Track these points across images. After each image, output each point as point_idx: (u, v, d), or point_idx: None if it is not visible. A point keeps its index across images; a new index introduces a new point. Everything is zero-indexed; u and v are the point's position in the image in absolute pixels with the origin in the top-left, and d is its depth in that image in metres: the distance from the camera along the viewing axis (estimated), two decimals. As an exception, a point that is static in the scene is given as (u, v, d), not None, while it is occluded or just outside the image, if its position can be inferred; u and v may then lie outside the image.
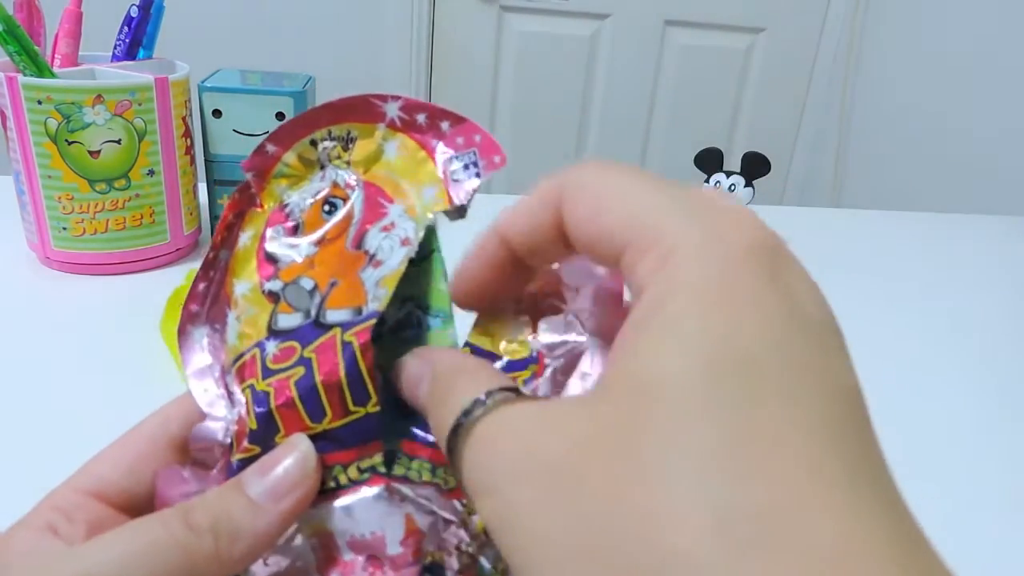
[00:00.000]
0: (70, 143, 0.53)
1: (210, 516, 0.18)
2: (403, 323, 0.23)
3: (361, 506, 0.20)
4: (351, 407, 0.20)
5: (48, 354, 0.48)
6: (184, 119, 0.58)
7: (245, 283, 0.22)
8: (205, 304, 0.23)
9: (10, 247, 0.61)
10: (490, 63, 2.02)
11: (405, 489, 0.21)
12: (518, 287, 0.21)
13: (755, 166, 0.72)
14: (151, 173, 0.57)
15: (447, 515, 0.20)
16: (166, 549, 0.17)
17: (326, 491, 0.20)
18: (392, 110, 0.23)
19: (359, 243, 0.22)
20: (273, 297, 0.22)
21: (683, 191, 0.16)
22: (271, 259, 0.22)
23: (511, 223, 0.19)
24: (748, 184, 0.72)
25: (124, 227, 0.57)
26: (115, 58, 0.61)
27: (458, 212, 0.22)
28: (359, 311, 0.21)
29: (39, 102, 0.52)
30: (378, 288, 0.21)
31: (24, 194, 0.56)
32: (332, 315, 0.21)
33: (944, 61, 1.76)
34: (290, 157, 0.23)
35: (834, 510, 0.12)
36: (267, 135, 0.23)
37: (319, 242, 0.22)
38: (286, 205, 0.23)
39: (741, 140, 2.10)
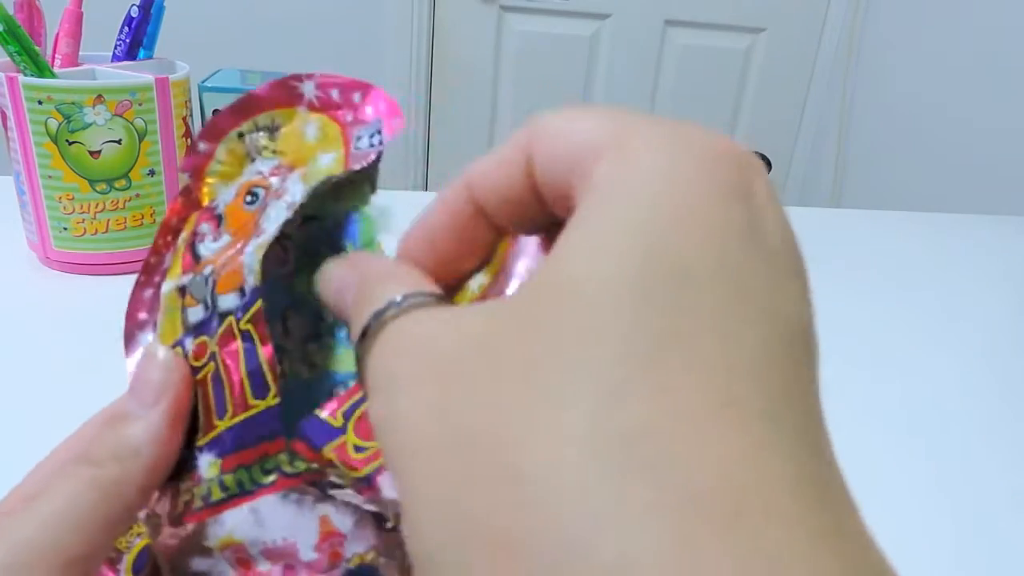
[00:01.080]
0: (70, 143, 0.53)
1: (105, 446, 0.18)
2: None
3: (269, 511, 0.19)
4: (250, 401, 0.19)
5: (48, 354, 0.48)
6: (185, 119, 0.58)
7: (170, 283, 0.22)
8: (153, 311, 0.23)
9: (10, 247, 0.61)
10: (490, 63, 2.02)
11: (316, 488, 0.19)
12: (479, 252, 0.18)
13: (755, 166, 0.72)
14: (152, 173, 0.57)
15: (374, 510, 0.19)
16: (81, 494, 0.17)
17: (231, 498, 0.19)
18: (309, 90, 0.23)
19: (259, 222, 0.21)
20: (181, 292, 0.21)
21: (657, 116, 0.15)
22: (195, 257, 0.22)
23: (480, 171, 0.17)
24: (748, 184, 0.72)
25: (125, 227, 0.57)
26: (115, 58, 0.61)
27: (367, 182, 0.22)
28: (242, 291, 0.20)
29: (39, 102, 0.52)
30: (251, 258, 0.20)
31: (24, 194, 0.56)
32: (222, 301, 0.20)
33: (944, 61, 1.76)
34: (221, 153, 0.23)
35: (732, 442, 0.11)
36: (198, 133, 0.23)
37: (234, 231, 0.22)
38: (214, 202, 0.23)
39: (741, 140, 2.10)
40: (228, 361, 0.20)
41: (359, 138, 0.22)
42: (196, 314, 0.21)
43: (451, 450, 0.12)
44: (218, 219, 0.22)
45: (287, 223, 0.20)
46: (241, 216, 0.22)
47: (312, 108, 0.23)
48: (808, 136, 2.13)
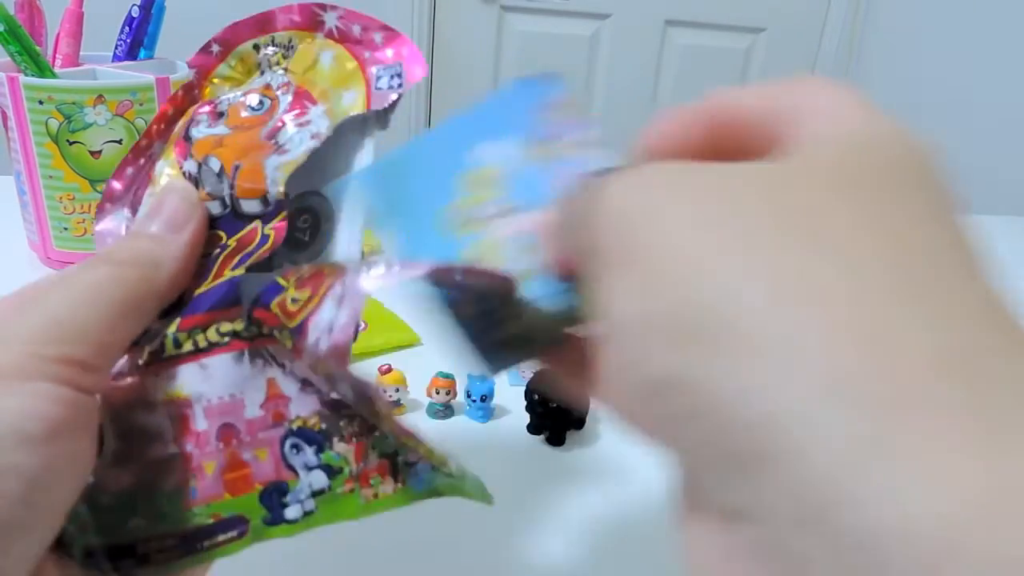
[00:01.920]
0: (71, 143, 0.53)
1: (128, 252, 0.20)
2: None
3: (220, 368, 0.20)
4: (226, 273, 0.21)
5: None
6: (185, 119, 0.58)
7: (164, 162, 0.23)
8: (131, 188, 0.24)
9: (11, 247, 0.61)
10: (490, 63, 2.02)
11: (269, 350, 0.21)
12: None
13: (755, 166, 0.72)
14: (152, 173, 0.57)
15: (317, 382, 0.20)
16: (107, 283, 0.19)
17: (183, 354, 0.20)
18: (331, 20, 0.23)
19: (273, 136, 0.22)
20: (192, 179, 0.22)
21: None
22: (188, 139, 0.23)
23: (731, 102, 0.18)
24: (748, 184, 0.72)
25: (125, 227, 0.57)
26: (116, 58, 0.61)
27: (379, 120, 0.23)
28: (265, 199, 0.22)
29: (40, 102, 0.52)
30: (276, 172, 0.22)
31: (25, 194, 0.56)
32: (246, 205, 0.22)
33: (944, 61, 1.76)
34: (232, 59, 0.24)
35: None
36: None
37: (234, 126, 0.23)
38: (218, 98, 0.24)
39: (741, 140, 2.10)
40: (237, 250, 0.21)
41: (379, 77, 0.23)
42: (213, 208, 0.22)
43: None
44: (219, 114, 0.23)
45: (314, 152, 0.22)
46: (243, 117, 0.23)
47: (331, 37, 0.23)
48: (808, 136, 2.13)
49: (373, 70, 0.23)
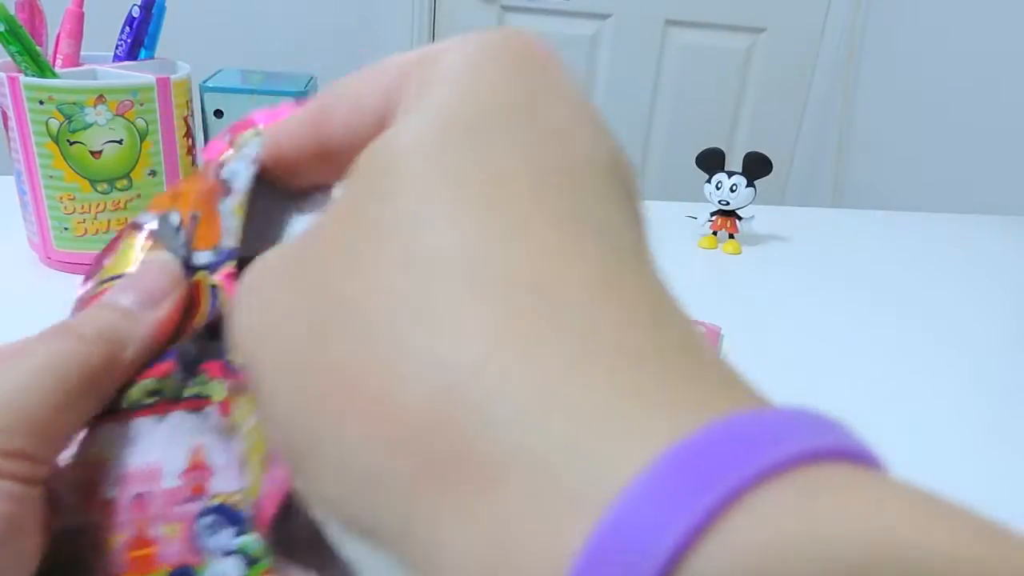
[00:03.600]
0: (72, 143, 0.53)
1: (96, 327, 0.18)
2: None
3: (142, 431, 0.18)
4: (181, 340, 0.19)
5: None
6: (186, 119, 0.58)
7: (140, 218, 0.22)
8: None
9: (11, 247, 0.61)
10: (491, 63, 2.02)
11: (196, 416, 0.19)
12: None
13: (757, 166, 0.72)
14: (153, 173, 0.57)
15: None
16: (68, 360, 0.17)
17: (103, 414, 0.18)
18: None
19: (218, 172, 0.20)
20: (152, 236, 0.21)
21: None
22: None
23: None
24: (750, 184, 0.72)
25: (125, 227, 0.57)
26: (117, 58, 0.61)
27: None
28: (218, 249, 0.20)
29: (41, 102, 0.52)
30: (230, 218, 0.20)
31: (26, 194, 0.56)
32: (197, 257, 0.20)
33: (945, 61, 1.76)
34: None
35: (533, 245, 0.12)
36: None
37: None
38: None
39: (742, 140, 2.10)
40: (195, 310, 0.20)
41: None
42: None
43: (298, 316, 0.14)
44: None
45: (255, 179, 0.20)
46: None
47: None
48: (809, 136, 2.13)
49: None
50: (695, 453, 0.09)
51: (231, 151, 0.21)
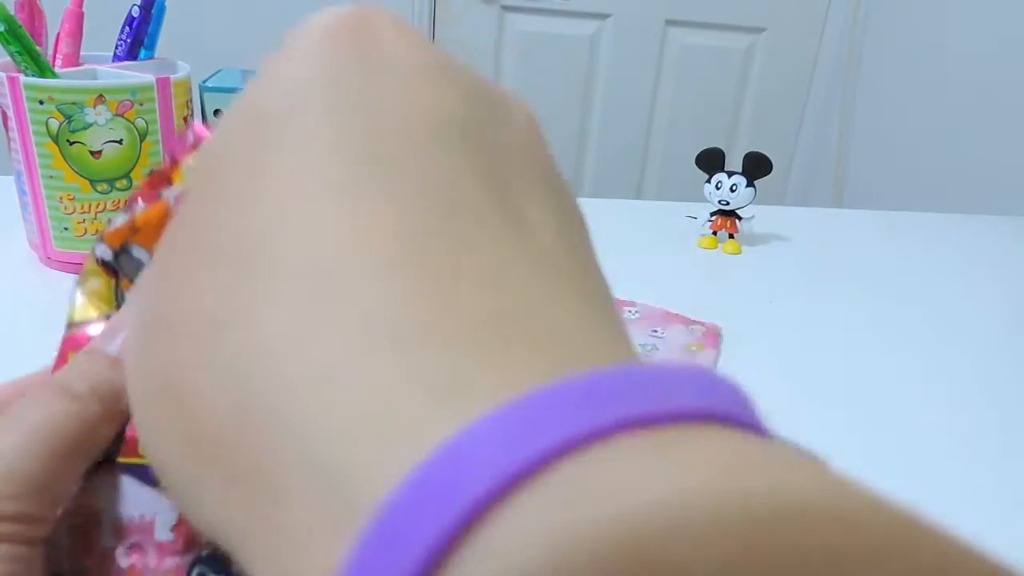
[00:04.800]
0: (71, 143, 0.53)
1: (88, 382, 0.18)
2: None
3: (133, 485, 0.19)
4: None
5: (49, 354, 0.48)
6: (186, 119, 0.58)
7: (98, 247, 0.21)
8: None
9: (11, 247, 0.61)
10: (491, 63, 2.02)
11: None
12: None
13: (757, 166, 0.72)
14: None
15: None
16: (65, 421, 0.17)
17: (100, 462, 0.19)
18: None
19: (170, 198, 0.20)
20: (108, 268, 0.20)
21: None
22: (109, 224, 0.20)
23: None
24: (750, 184, 0.72)
25: (125, 227, 0.57)
26: (116, 58, 0.61)
27: None
28: None
29: (40, 102, 0.52)
30: None
31: (25, 194, 0.56)
32: None
33: (945, 61, 1.76)
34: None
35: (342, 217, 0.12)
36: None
37: (147, 200, 0.20)
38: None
39: (742, 140, 2.10)
40: None
41: None
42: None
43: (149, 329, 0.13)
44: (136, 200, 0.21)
45: None
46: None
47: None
48: (809, 136, 2.13)
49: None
50: (474, 439, 0.09)
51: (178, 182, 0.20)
